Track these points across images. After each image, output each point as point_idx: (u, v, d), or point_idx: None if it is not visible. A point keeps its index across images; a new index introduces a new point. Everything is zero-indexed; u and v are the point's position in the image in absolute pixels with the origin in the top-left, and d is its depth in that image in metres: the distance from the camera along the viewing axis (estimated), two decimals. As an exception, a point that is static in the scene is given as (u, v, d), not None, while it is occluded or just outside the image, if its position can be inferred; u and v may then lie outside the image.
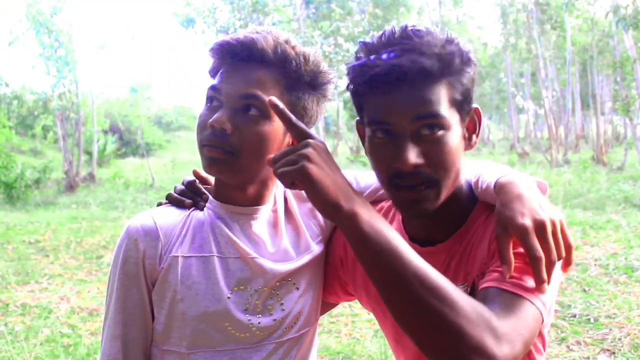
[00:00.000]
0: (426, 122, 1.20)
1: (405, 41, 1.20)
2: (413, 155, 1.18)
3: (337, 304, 1.76)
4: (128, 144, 33.78)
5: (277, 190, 1.51)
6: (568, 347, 4.85)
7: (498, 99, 37.89)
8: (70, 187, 18.09)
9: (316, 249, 1.51)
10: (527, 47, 29.06)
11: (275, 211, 1.49)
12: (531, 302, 1.10)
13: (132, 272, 1.37)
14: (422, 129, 1.20)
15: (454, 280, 1.26)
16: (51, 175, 18.90)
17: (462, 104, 1.26)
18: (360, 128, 1.36)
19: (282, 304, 1.43)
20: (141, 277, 1.37)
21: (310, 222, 1.54)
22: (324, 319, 5.59)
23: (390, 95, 1.20)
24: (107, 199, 16.06)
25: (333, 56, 22.02)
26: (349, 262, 1.52)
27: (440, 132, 1.20)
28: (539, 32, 26.19)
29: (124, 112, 34.19)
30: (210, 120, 1.30)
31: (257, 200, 1.45)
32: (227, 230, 1.41)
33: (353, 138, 28.97)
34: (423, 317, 1.02)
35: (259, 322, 1.40)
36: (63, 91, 18.92)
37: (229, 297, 1.38)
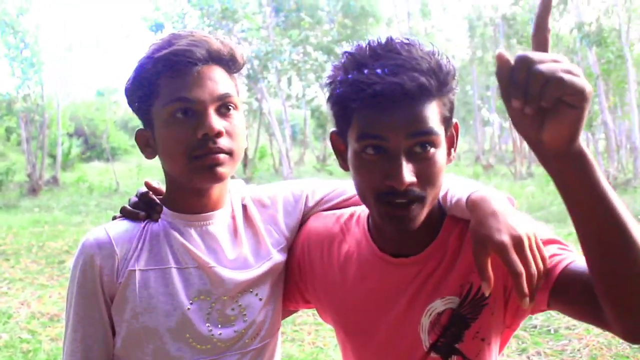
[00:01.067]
0: (421, 140, 1.20)
1: (396, 55, 1.20)
2: (408, 174, 1.18)
3: (296, 311, 1.77)
4: (93, 148, 33.40)
5: (233, 197, 1.51)
6: (528, 357, 4.94)
7: (464, 111, 38.26)
8: (33, 191, 17.85)
9: (277, 257, 1.50)
10: (494, 60, 29.51)
11: (233, 217, 1.49)
12: None
13: (89, 289, 1.37)
14: (415, 147, 1.20)
15: (436, 292, 1.31)
16: (14, 178, 18.68)
17: (449, 120, 1.28)
18: (336, 140, 1.36)
19: (244, 314, 1.43)
20: (99, 293, 1.37)
21: (271, 229, 1.53)
22: (287, 327, 5.60)
23: (387, 112, 1.19)
24: (71, 203, 15.91)
25: (302, 65, 22.11)
26: (306, 267, 1.52)
27: (432, 150, 1.22)
28: (506, 46, 26.60)
29: (89, 116, 33.86)
30: (205, 129, 1.30)
31: (215, 204, 1.45)
32: (183, 240, 1.40)
33: (320, 147, 29.05)
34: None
35: (220, 334, 1.40)
36: (28, 93, 18.70)
37: (189, 308, 1.38)
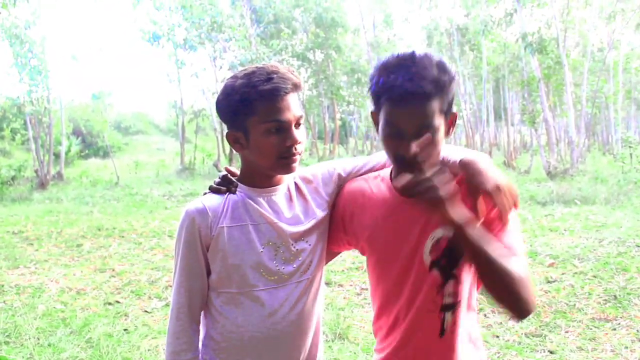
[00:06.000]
0: (423, 128, 1.53)
1: (413, 67, 1.50)
2: (414, 148, 1.55)
3: (340, 253, 2.12)
4: (90, 146, 33.28)
5: (287, 177, 1.86)
6: (485, 315, 5.35)
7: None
8: (42, 185, 17.94)
9: (320, 215, 1.83)
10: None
11: (289, 190, 1.85)
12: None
13: (192, 241, 1.71)
14: (421, 131, 1.52)
15: (438, 223, 1.66)
16: (24, 174, 18.68)
17: (447, 111, 1.58)
18: (374, 117, 1.71)
19: (299, 256, 1.79)
20: (198, 244, 1.71)
21: (315, 196, 1.85)
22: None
23: (401, 108, 1.52)
24: (77, 195, 15.98)
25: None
26: (347, 217, 1.84)
27: (431, 133, 1.54)
28: (459, 53, 27.08)
29: (85, 117, 33.69)
30: (291, 141, 1.67)
31: (277, 182, 1.82)
32: (255, 205, 1.74)
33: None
34: (506, 287, 1.47)
35: (283, 268, 1.75)
36: (36, 97, 18.77)
37: (261, 251, 1.72)
